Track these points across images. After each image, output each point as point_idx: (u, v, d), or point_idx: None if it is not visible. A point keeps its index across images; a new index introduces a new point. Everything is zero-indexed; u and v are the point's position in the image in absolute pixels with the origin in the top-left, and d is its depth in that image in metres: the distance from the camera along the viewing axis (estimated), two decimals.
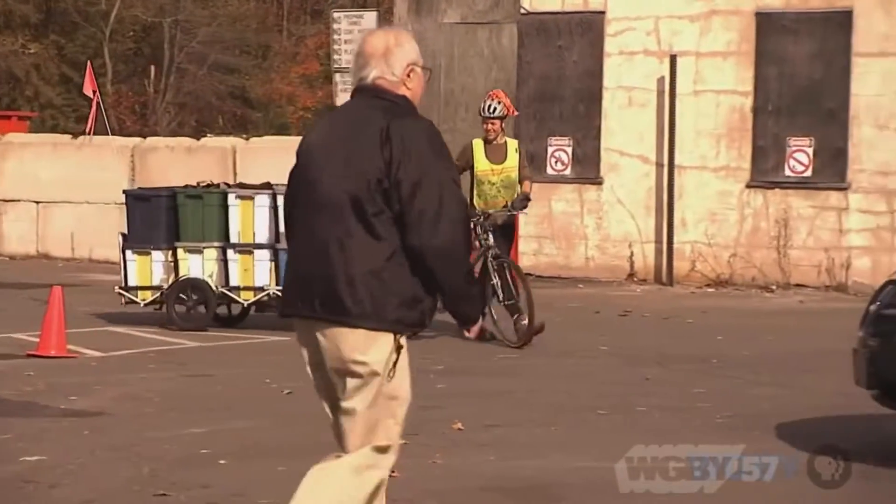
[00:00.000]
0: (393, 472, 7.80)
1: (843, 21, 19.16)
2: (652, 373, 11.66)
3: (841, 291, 18.84)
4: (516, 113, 13.93)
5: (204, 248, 14.14)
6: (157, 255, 14.31)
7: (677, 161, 19.77)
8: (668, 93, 19.74)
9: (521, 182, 13.46)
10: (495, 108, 13.41)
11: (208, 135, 23.78)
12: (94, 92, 20.43)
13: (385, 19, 24.45)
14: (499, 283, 13.07)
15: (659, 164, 19.92)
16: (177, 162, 22.73)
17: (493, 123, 13.42)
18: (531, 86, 20.69)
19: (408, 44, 5.16)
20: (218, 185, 14.64)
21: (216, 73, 40.56)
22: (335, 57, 22.89)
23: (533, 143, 20.56)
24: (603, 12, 20.27)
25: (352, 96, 5.22)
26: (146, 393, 10.45)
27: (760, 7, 19.58)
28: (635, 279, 20.04)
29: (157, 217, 14.29)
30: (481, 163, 13.44)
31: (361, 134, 5.02)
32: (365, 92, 5.13)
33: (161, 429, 9.06)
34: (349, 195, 4.99)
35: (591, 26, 20.31)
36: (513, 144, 13.57)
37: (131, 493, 7.32)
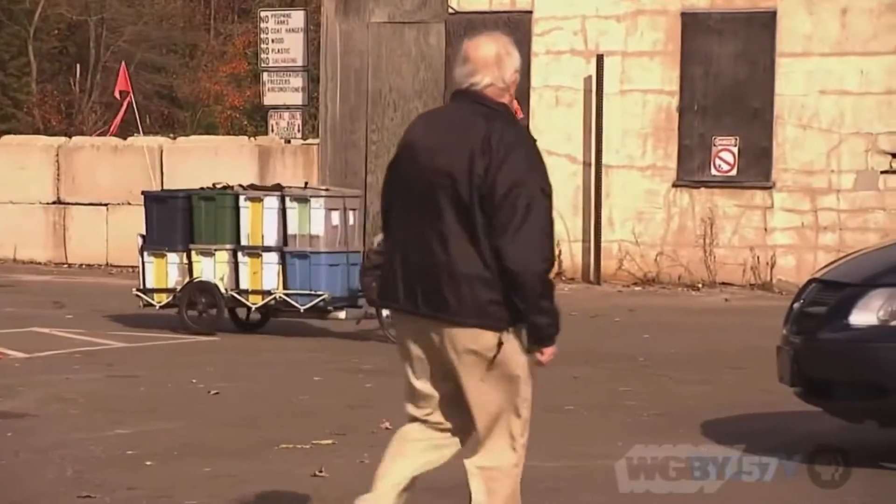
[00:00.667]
0: (321, 471, 7.83)
1: (766, 21, 19.34)
2: (580, 371, 11.70)
3: (766, 289, 19.02)
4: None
5: (215, 250, 13.89)
6: (173, 258, 14.06)
7: (604, 160, 19.88)
8: (594, 92, 19.84)
9: None
10: None
11: (135, 134, 23.62)
12: (128, 93, 19.84)
13: (313, 18, 24.38)
14: None
15: (586, 164, 20.02)
16: (103, 161, 22.57)
17: None
18: None
19: (514, 51, 5.43)
20: (232, 187, 14.33)
21: (143, 73, 40.27)
22: (263, 56, 22.80)
23: None
24: (530, 12, 20.34)
25: (451, 99, 5.44)
26: (71, 394, 10.36)
27: (686, 7, 19.72)
28: (563, 278, 20.13)
29: (173, 219, 14.04)
30: None
31: (464, 138, 5.24)
32: (468, 97, 5.35)
33: (86, 430, 8.98)
34: (451, 197, 5.23)
35: (518, 26, 20.36)
36: None
37: (56, 495, 7.25)
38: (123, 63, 21.43)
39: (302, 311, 13.71)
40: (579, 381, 11.29)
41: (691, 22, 19.73)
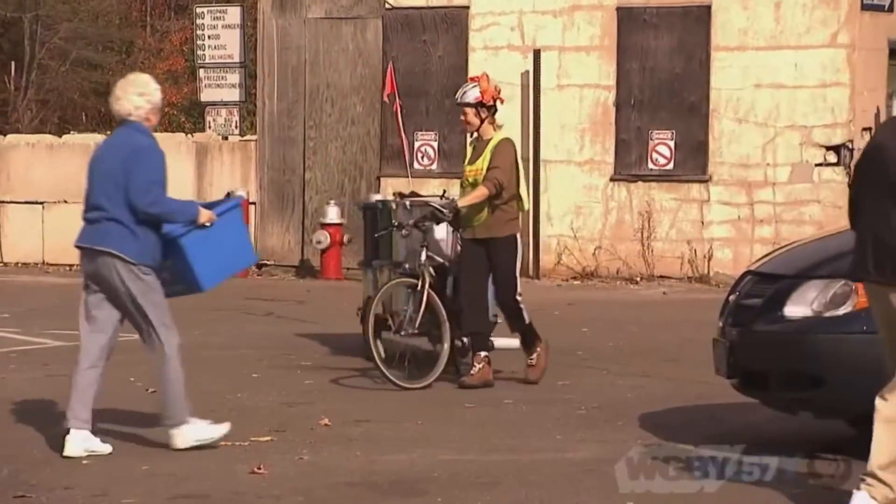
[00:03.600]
0: (260, 468, 7.82)
1: (702, 15, 19.45)
2: (519, 366, 11.73)
3: (703, 282, 19.13)
4: (502, 100, 10.92)
5: (377, 268, 12.37)
6: (368, 276, 12.65)
7: (542, 155, 19.92)
8: (532, 87, 19.88)
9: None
10: (465, 93, 10.72)
11: (71, 132, 23.42)
12: (395, 95, 18.36)
13: (249, 14, 24.29)
14: (410, 308, 10.88)
15: (524, 159, 20.01)
16: (38, 160, 22.38)
17: (463, 113, 10.72)
18: (397, 81, 20.71)
19: None
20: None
21: (79, 70, 39.98)
22: (199, 52, 22.69)
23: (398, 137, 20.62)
24: (467, 7, 20.35)
25: None
26: (7, 393, 10.28)
27: (622, 2, 19.80)
28: None
29: (368, 233, 12.75)
30: (465, 162, 11.11)
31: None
32: None
33: (22, 429, 8.93)
34: None
35: (455, 21, 20.39)
36: (495, 140, 10.69)
37: None
38: (392, 65, 19.55)
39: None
40: (518, 375, 11.32)
41: (627, 17, 19.80)
